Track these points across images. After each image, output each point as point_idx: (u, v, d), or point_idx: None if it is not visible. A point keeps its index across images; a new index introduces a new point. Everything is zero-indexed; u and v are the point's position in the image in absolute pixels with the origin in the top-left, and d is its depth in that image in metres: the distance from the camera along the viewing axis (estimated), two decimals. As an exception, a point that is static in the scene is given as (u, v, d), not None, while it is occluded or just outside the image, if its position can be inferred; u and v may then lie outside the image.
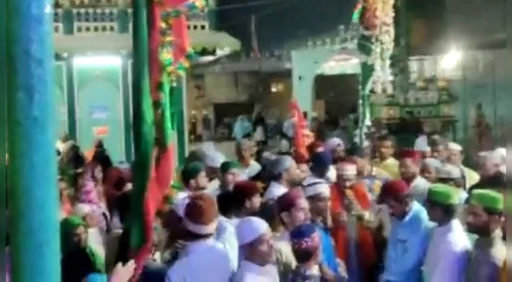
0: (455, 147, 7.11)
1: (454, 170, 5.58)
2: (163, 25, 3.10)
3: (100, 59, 16.47)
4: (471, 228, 4.18)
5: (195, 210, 3.63)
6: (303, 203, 4.25)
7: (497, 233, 4.00)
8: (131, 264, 2.92)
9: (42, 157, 1.10)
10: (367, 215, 5.58)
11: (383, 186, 5.53)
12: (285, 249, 4.01)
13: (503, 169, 5.51)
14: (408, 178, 5.83)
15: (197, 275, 3.51)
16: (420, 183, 5.78)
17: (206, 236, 3.64)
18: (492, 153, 6.35)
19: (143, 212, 2.89)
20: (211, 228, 3.68)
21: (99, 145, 12.33)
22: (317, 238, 3.83)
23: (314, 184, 5.00)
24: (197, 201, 3.68)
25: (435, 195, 4.52)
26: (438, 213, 4.46)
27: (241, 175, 6.33)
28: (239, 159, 7.31)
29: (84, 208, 5.55)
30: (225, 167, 5.95)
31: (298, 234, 3.80)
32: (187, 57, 3.58)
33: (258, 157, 7.30)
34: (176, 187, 3.19)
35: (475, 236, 4.24)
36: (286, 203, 4.26)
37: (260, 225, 3.58)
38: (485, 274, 3.90)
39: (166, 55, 3.12)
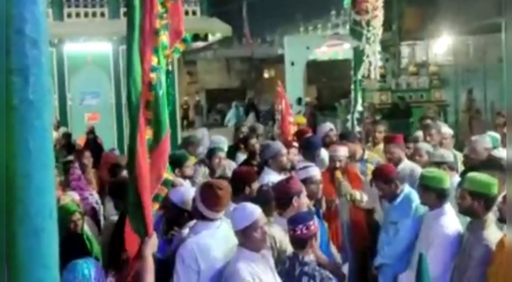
0: (447, 131, 7.13)
1: (447, 154, 5.60)
2: (160, 8, 3.07)
3: (91, 45, 16.35)
4: (460, 210, 4.23)
5: (212, 198, 3.71)
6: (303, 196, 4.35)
7: (490, 216, 4.03)
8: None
9: (38, 141, 1.07)
10: (358, 195, 5.59)
11: (373, 170, 5.56)
12: (278, 235, 4.02)
13: (494, 152, 5.54)
14: (394, 163, 5.86)
15: (207, 252, 3.57)
16: (406, 166, 5.81)
17: (216, 219, 3.75)
18: (483, 137, 6.38)
19: (141, 202, 2.83)
20: (222, 213, 3.81)
21: (91, 132, 12.28)
22: (314, 225, 3.84)
23: (305, 167, 5.01)
24: (216, 190, 3.74)
25: (428, 180, 4.55)
26: (431, 197, 4.49)
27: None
28: (238, 143, 7.35)
29: (74, 195, 5.53)
30: (211, 151, 5.98)
31: (294, 221, 3.81)
32: (182, 41, 3.54)
33: (245, 143, 7.30)
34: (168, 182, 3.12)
35: (468, 219, 4.27)
36: (289, 192, 4.33)
37: (254, 211, 3.56)
38: (477, 256, 3.92)
39: (162, 37, 3.09)
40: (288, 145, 6.11)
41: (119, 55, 16.74)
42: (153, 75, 2.89)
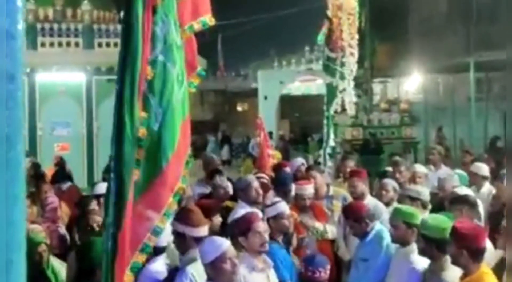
0: (421, 169, 7.17)
1: (424, 191, 5.65)
2: (178, 40, 3.04)
3: (64, 75, 16.28)
4: (419, 252, 4.23)
5: (188, 214, 3.99)
6: (260, 226, 4.16)
7: (447, 257, 4.05)
8: None
9: (11, 174, 1.06)
10: (322, 227, 5.59)
11: (343, 207, 5.58)
12: (243, 272, 3.96)
13: (457, 190, 5.63)
14: (357, 197, 5.90)
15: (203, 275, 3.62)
16: (371, 202, 5.84)
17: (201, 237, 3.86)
18: (451, 175, 6.49)
19: (118, 250, 2.69)
20: (205, 231, 3.97)
21: (60, 162, 12.05)
22: (328, 271, 3.87)
23: (274, 203, 5.01)
24: (189, 207, 4.08)
25: (400, 215, 4.54)
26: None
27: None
28: (207, 175, 7.29)
29: (37, 228, 5.42)
30: None
31: (314, 263, 3.82)
32: (198, 75, 3.52)
33: (212, 176, 7.25)
34: (168, 215, 2.98)
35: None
36: (243, 227, 4.19)
37: (223, 243, 3.52)
38: None
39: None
40: (266, 188, 6.08)
41: (92, 86, 16.70)
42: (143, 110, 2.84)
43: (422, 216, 4.94)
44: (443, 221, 4.09)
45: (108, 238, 2.70)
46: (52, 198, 6.69)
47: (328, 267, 3.85)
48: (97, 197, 5.91)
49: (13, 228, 1.07)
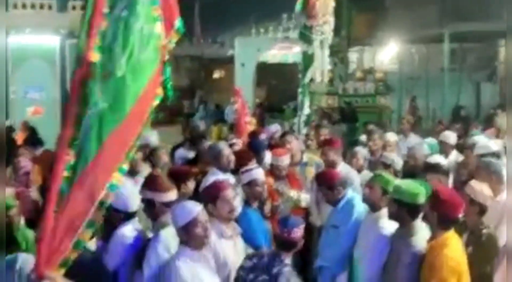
0: (392, 138, 7.28)
1: (398, 160, 5.76)
2: None
3: (37, 38, 15.98)
4: (388, 216, 4.31)
5: (155, 180, 4.07)
6: (229, 194, 4.20)
7: (417, 223, 4.13)
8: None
9: None
10: (296, 195, 5.66)
11: (316, 175, 5.65)
12: (213, 238, 3.97)
13: (430, 158, 5.74)
14: (329, 165, 5.97)
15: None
16: (344, 169, 5.93)
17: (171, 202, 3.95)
18: (421, 144, 6.61)
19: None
20: (173, 195, 4.06)
21: (26, 128, 11.89)
22: (303, 229, 3.91)
23: (249, 170, 5.05)
24: (155, 174, 4.17)
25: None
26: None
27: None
28: (188, 140, 7.32)
29: (8, 191, 5.41)
30: (152, 151, 5.95)
31: (288, 224, 3.83)
32: (176, 31, 3.38)
33: (195, 142, 7.29)
34: (122, 171, 3.00)
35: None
36: (212, 195, 4.24)
37: (194, 208, 3.55)
38: (406, 261, 4.02)
39: (156, 28, 3.01)
40: (248, 156, 6.10)
41: (66, 49, 16.43)
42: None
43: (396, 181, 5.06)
44: (416, 187, 4.18)
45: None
46: (24, 162, 6.65)
47: (303, 226, 3.90)
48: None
49: None
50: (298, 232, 3.82)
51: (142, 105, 2.99)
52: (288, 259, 3.82)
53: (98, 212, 2.83)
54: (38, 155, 7.41)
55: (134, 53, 2.94)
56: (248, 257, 3.80)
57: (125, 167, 2.93)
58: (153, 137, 6.76)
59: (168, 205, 3.93)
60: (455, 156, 6.86)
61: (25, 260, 3.14)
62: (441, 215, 3.82)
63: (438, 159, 5.61)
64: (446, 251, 3.75)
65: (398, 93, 19.48)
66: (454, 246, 3.83)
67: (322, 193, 5.20)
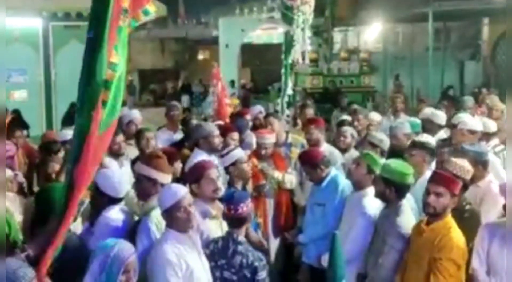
0: (375, 117, 7.32)
1: (386, 140, 5.79)
2: None
3: (19, 20, 15.75)
4: (375, 195, 4.38)
5: (156, 159, 4.15)
6: (212, 173, 4.24)
7: (404, 203, 4.19)
8: None
9: None
10: (280, 176, 5.68)
11: (299, 154, 5.68)
12: (197, 218, 3.97)
13: (418, 138, 5.77)
14: (313, 144, 6.01)
15: None
16: (327, 149, 5.98)
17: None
18: (402, 123, 6.64)
19: (73, 185, 2.82)
20: (168, 178, 4.12)
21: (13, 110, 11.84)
22: (250, 204, 3.90)
23: (229, 151, 5.09)
24: (156, 153, 4.24)
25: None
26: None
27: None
28: (169, 122, 7.32)
29: (6, 172, 5.42)
30: (139, 133, 5.94)
31: (235, 200, 3.82)
32: (143, 12, 3.29)
33: (184, 124, 7.31)
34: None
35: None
36: (195, 174, 4.27)
37: (178, 191, 3.54)
38: (391, 242, 4.06)
39: (125, 4, 3.00)
40: (228, 129, 6.14)
41: (49, 32, 16.24)
42: (115, 56, 2.89)
43: (385, 160, 5.11)
44: (406, 167, 4.26)
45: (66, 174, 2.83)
46: (9, 146, 6.63)
47: (249, 201, 3.89)
48: (63, 143, 5.91)
49: None
50: (244, 207, 3.79)
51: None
52: (241, 236, 3.82)
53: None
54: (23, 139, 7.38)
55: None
56: (206, 246, 3.78)
57: None
58: (136, 114, 6.75)
59: (162, 186, 3.95)
60: (441, 136, 6.76)
61: (121, 248, 3.11)
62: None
63: (427, 138, 5.67)
64: (454, 233, 3.79)
65: (382, 73, 19.55)
66: (458, 230, 3.85)
67: (306, 171, 5.23)
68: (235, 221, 3.81)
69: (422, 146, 5.22)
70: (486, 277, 3.85)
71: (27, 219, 4.63)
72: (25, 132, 8.14)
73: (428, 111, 7.39)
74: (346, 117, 7.63)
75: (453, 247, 3.75)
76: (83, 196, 2.94)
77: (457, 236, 3.81)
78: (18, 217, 4.60)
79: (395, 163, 4.31)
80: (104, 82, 2.89)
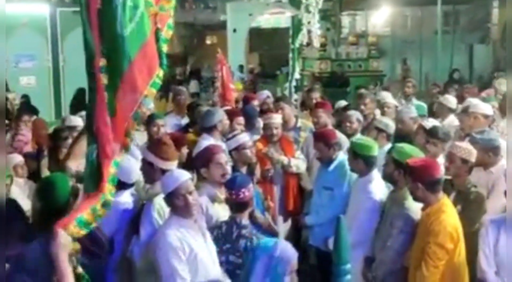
0: (390, 101, 7.26)
1: (391, 125, 5.78)
2: None
3: (27, 6, 15.76)
4: (383, 176, 4.46)
5: (161, 147, 4.13)
6: (221, 158, 4.26)
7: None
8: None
9: None
10: (286, 160, 5.69)
11: (314, 132, 5.70)
12: (206, 202, 4.06)
13: (423, 123, 5.76)
14: (320, 128, 6.01)
15: None
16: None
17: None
18: (408, 107, 6.60)
19: (98, 159, 2.80)
20: (173, 164, 4.09)
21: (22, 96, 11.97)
22: (252, 188, 3.94)
23: (234, 136, 5.09)
24: (163, 140, 4.24)
25: (357, 147, 4.72)
26: (360, 164, 4.67)
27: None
28: (176, 107, 7.32)
29: (16, 158, 5.48)
30: (150, 118, 5.93)
31: (236, 185, 3.85)
32: None
33: (191, 109, 7.32)
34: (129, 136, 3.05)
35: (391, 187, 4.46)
36: (204, 159, 4.29)
37: (179, 178, 3.52)
38: (399, 225, 4.09)
39: None
40: (234, 113, 6.15)
41: (56, 18, 16.26)
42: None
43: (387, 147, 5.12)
44: (416, 151, 4.33)
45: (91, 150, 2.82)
46: (25, 131, 6.71)
47: (250, 185, 3.92)
48: (70, 129, 5.94)
49: None
50: (246, 192, 3.82)
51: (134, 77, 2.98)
52: (244, 220, 3.85)
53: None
54: (32, 123, 7.44)
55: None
56: (210, 231, 3.77)
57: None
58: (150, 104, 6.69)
59: (166, 172, 3.96)
60: (451, 120, 6.75)
61: (284, 248, 3.08)
62: (424, 182, 3.88)
63: (433, 122, 5.64)
64: (443, 217, 3.82)
65: (390, 57, 19.43)
66: (450, 212, 3.89)
67: (318, 149, 5.22)
68: (237, 205, 3.85)
69: (431, 132, 5.23)
70: (495, 278, 3.73)
71: (34, 212, 4.68)
72: (34, 117, 8.20)
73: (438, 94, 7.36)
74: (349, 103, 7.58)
75: (440, 231, 3.78)
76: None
77: (447, 219, 3.83)
78: (27, 202, 4.67)
79: (407, 146, 4.38)
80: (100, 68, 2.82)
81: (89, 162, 2.85)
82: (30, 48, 15.96)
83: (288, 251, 3.06)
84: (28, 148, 6.34)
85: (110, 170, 2.85)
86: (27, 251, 2.87)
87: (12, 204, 4.16)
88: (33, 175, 5.60)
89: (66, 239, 2.65)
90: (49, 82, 16.23)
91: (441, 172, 4.05)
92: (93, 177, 2.83)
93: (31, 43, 15.96)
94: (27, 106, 10.31)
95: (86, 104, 2.91)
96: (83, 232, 2.77)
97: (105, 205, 2.80)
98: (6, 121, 8.71)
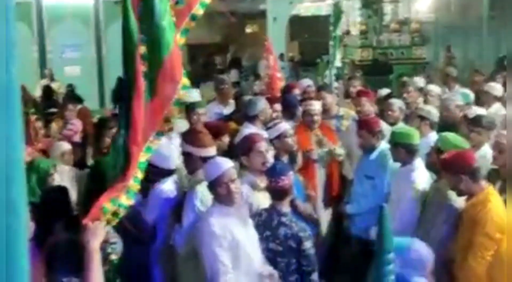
0: (434, 89, 7.13)
1: (434, 112, 5.69)
2: None
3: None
4: (426, 165, 4.42)
5: (195, 135, 4.18)
6: (262, 146, 4.27)
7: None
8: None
9: (5, 94, 1.11)
10: (338, 150, 5.69)
11: (358, 120, 5.66)
12: (246, 190, 4.07)
13: (468, 112, 5.65)
14: (364, 116, 5.95)
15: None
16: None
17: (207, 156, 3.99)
18: (454, 95, 6.46)
19: (129, 141, 2.84)
20: (211, 151, 4.09)
21: (68, 85, 12.25)
22: (292, 176, 3.94)
23: (275, 124, 5.08)
24: (196, 129, 4.31)
25: (397, 136, 4.66)
26: (401, 153, 4.62)
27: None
28: (219, 96, 7.34)
29: (64, 145, 5.60)
30: (190, 107, 5.96)
31: (276, 173, 3.87)
32: None
33: (236, 98, 7.32)
34: (169, 121, 3.08)
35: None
36: (245, 147, 4.30)
37: (221, 166, 3.56)
38: (442, 216, 4.04)
39: None
40: (271, 101, 6.15)
41: (100, 8, 16.51)
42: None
43: (432, 136, 5.04)
44: (460, 140, 4.28)
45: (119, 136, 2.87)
46: (75, 121, 6.85)
47: (290, 173, 3.92)
48: (114, 117, 6.04)
49: (11, 147, 1.12)
50: (286, 180, 3.83)
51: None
52: (285, 208, 3.87)
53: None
54: (78, 112, 7.61)
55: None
56: (251, 218, 3.80)
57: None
58: (195, 94, 6.67)
59: (205, 159, 3.99)
60: (496, 108, 6.57)
61: (418, 248, 2.88)
62: (465, 172, 3.81)
63: (477, 111, 5.52)
64: (490, 206, 3.75)
65: (434, 44, 19.04)
66: (497, 202, 3.81)
67: (362, 137, 5.18)
68: (277, 193, 3.86)
69: (475, 121, 5.12)
70: None
71: (81, 190, 4.79)
72: (79, 106, 8.37)
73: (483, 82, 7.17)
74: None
75: (488, 221, 3.71)
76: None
77: (493, 208, 3.75)
78: (73, 190, 4.78)
79: (451, 136, 4.33)
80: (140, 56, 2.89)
81: (115, 149, 2.88)
82: (74, 39, 16.26)
83: (422, 251, 2.85)
84: (77, 138, 6.48)
85: (141, 157, 2.88)
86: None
87: (62, 191, 4.25)
88: (78, 163, 5.72)
89: (98, 227, 2.68)
90: (93, 71, 16.51)
91: (477, 160, 3.96)
92: (119, 165, 2.86)
93: (75, 33, 16.26)
94: (72, 95, 10.53)
95: (122, 90, 2.95)
96: (114, 219, 2.80)
97: (128, 192, 2.83)
98: (54, 110, 8.96)
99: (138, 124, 2.85)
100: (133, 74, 2.86)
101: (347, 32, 7.72)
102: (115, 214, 2.77)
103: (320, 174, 5.65)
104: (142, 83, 2.87)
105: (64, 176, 5.10)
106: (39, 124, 6.72)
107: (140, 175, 2.90)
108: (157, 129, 2.99)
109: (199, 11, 3.30)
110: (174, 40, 3.02)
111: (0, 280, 1.14)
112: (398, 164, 4.80)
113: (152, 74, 2.93)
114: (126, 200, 2.80)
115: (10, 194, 1.14)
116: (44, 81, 13.39)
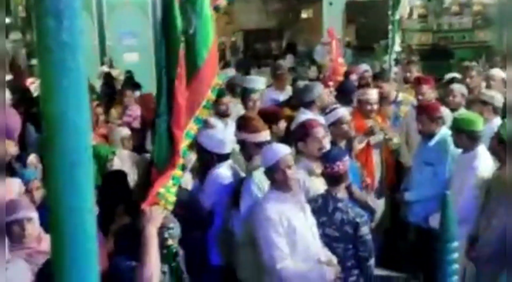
0: (497, 73, 6.89)
1: (498, 97, 5.51)
2: None
3: (129, -15, 16.29)
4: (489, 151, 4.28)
5: (247, 121, 4.25)
6: (319, 132, 4.24)
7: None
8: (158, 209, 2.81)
9: (73, 82, 1.13)
10: (395, 139, 5.61)
11: (418, 105, 5.54)
12: (303, 176, 4.06)
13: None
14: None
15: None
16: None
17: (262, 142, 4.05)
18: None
19: (171, 134, 2.86)
20: (265, 136, 4.16)
21: (126, 71, 12.51)
22: (348, 161, 3.93)
23: (333, 109, 5.03)
24: (248, 115, 4.37)
25: (459, 122, 4.55)
26: (463, 139, 4.50)
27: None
28: (276, 82, 7.33)
29: (123, 130, 5.73)
30: (245, 93, 5.96)
31: (331, 158, 3.87)
32: None
33: (292, 84, 7.30)
34: (207, 107, 3.12)
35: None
36: (302, 133, 4.28)
37: (278, 152, 3.55)
38: (505, 203, 3.89)
39: None
40: (326, 86, 6.12)
41: (157, -5, 16.69)
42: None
43: (496, 121, 4.89)
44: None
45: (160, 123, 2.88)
46: (135, 107, 7.00)
47: (346, 158, 3.91)
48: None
49: (78, 133, 1.14)
50: (341, 165, 3.83)
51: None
52: (340, 193, 3.86)
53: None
54: (138, 98, 7.75)
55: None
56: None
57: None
58: (259, 83, 6.64)
59: (261, 145, 4.00)
60: None
61: None
62: None
63: None
64: None
65: (498, 26, 18.36)
66: None
67: (421, 123, 5.09)
68: (332, 178, 3.86)
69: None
70: None
71: (140, 174, 4.88)
72: (137, 92, 8.52)
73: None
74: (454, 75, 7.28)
75: None
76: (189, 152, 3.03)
77: None
78: (133, 174, 4.88)
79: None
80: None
81: (157, 135, 2.90)
82: (132, 26, 16.52)
83: None
84: (137, 123, 6.61)
85: (183, 143, 2.91)
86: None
87: (122, 176, 4.34)
88: (138, 148, 5.83)
89: (155, 212, 2.72)
90: (150, 58, 16.75)
91: None
92: (165, 152, 2.88)
93: (133, 21, 16.50)
94: (130, 82, 10.74)
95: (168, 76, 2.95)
96: (168, 205, 2.83)
97: (174, 179, 2.85)
98: (113, 97, 9.16)
99: (182, 109, 2.87)
100: (176, 58, 2.87)
101: (410, 15, 7.54)
102: (167, 200, 2.81)
103: (376, 161, 5.58)
104: (183, 68, 2.89)
105: (124, 161, 5.22)
106: (99, 110, 6.88)
107: (181, 161, 2.92)
108: (196, 115, 3.02)
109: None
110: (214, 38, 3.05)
111: (69, 263, 1.17)
112: (459, 150, 4.68)
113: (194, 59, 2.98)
114: (173, 187, 2.84)
115: (79, 178, 1.16)
116: (104, 68, 13.70)
